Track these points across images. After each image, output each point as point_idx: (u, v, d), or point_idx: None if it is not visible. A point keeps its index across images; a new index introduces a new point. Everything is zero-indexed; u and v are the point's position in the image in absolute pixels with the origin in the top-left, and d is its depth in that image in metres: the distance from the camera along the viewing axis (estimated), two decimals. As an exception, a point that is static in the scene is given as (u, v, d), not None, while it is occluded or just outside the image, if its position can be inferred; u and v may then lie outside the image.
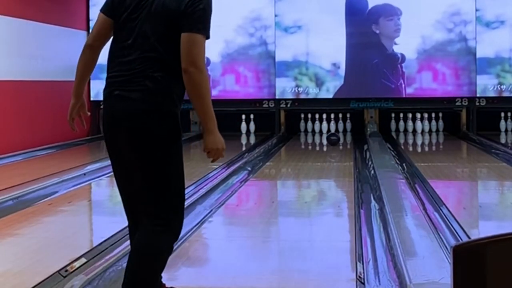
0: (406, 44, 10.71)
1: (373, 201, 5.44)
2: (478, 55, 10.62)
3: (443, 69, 10.74)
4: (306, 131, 11.20)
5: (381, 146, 9.06)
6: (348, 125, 11.17)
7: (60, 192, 6.03)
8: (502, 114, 10.87)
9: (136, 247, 2.76)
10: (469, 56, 10.66)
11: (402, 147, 9.48)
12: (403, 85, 10.77)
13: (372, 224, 4.67)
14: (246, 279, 3.54)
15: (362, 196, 5.74)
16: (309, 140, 10.70)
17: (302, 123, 11.25)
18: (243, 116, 11.12)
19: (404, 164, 7.51)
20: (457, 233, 4.24)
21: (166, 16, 2.73)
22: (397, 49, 10.76)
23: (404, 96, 10.80)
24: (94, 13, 10.19)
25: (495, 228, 4.73)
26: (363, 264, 3.65)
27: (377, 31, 10.81)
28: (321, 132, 11.06)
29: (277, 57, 10.93)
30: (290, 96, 10.98)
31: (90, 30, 3.05)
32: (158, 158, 2.72)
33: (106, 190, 6.62)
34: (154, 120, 2.71)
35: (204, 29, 2.72)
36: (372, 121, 11.00)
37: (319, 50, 10.84)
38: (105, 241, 4.08)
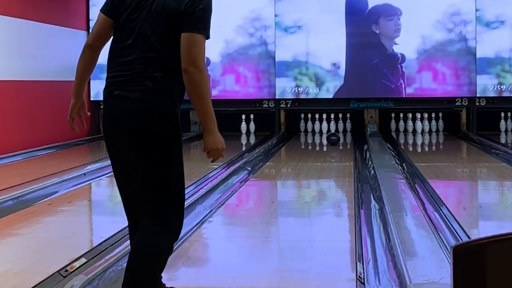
0: (406, 44, 10.71)
1: (373, 201, 5.44)
2: (478, 55, 10.62)
3: (443, 69, 10.74)
4: (306, 131, 11.20)
5: (381, 146, 9.06)
6: (348, 125, 11.17)
7: (60, 192, 6.03)
8: (502, 114, 10.87)
9: (136, 247, 2.76)
10: (469, 56, 10.66)
11: (402, 147, 9.48)
12: (403, 85, 10.77)
13: (372, 224, 4.66)
14: (246, 279, 3.54)
15: (362, 196, 5.74)
16: (309, 140, 10.70)
17: (302, 123, 11.25)
18: (243, 116, 11.12)
19: (404, 164, 7.51)
20: (457, 233, 4.24)
21: (166, 16, 2.73)
22: (397, 49, 10.76)
23: (404, 96, 10.80)
24: (94, 13, 10.19)
25: (495, 228, 4.73)
26: (363, 264, 3.65)
27: (377, 31, 10.81)
28: (321, 132, 11.06)
29: (277, 57, 10.93)
30: (290, 96, 10.98)
31: (90, 30, 3.05)
32: (158, 158, 2.72)
33: (106, 190, 6.62)
34: (154, 120, 2.71)
35: (204, 29, 2.72)
36: (372, 121, 11.00)
37: (319, 50, 10.84)
38: (105, 241, 4.08)
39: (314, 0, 10.87)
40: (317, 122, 11.15)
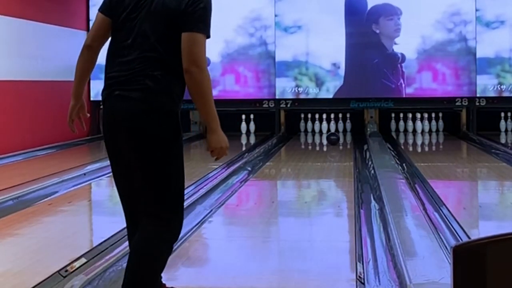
0: (406, 44, 10.71)
1: (373, 201, 5.44)
2: (478, 55, 10.62)
3: (443, 69, 10.74)
4: (306, 131, 11.20)
5: (381, 146, 9.06)
6: (348, 125, 11.17)
7: (60, 192, 6.03)
8: (502, 114, 10.87)
9: (136, 247, 2.76)
10: (469, 56, 10.66)
11: (402, 147, 9.48)
12: (403, 85, 10.77)
13: (372, 224, 4.66)
14: (246, 279, 3.54)
15: (362, 196, 5.74)
16: (309, 140, 10.70)
17: (302, 123, 11.25)
18: (243, 116, 11.12)
19: (404, 164, 7.51)
20: (457, 233, 4.24)
21: (166, 16, 2.72)
22: (397, 49, 10.76)
23: (404, 96, 10.80)
24: (94, 13, 10.13)
25: (495, 228, 4.73)
26: (363, 264, 3.65)
27: (377, 31, 10.81)
28: (321, 132, 11.07)
29: (277, 57, 10.93)
30: (290, 96, 10.98)
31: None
32: (158, 158, 2.72)
33: (106, 190, 6.62)
34: (154, 120, 2.70)
35: (204, 28, 2.71)
36: (372, 121, 11.00)
37: (319, 50, 10.84)
38: (105, 241, 4.08)
39: (314, 0, 10.87)
40: (317, 122, 11.15)
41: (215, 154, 2.81)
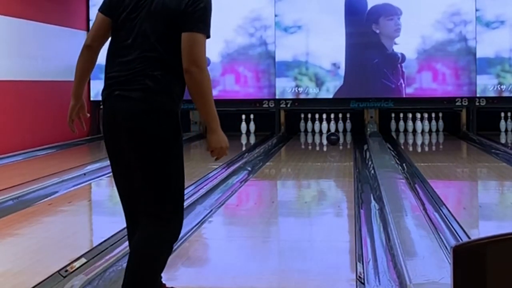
0: (406, 44, 10.71)
1: (373, 201, 5.44)
2: (478, 55, 10.62)
3: (443, 69, 10.74)
4: (306, 131, 11.20)
5: (381, 146, 9.06)
6: (348, 125, 11.17)
7: (60, 192, 6.03)
8: (502, 114, 10.87)
9: (136, 247, 2.76)
10: (469, 56, 10.66)
11: (402, 147, 9.48)
12: (403, 85, 10.77)
13: (372, 224, 4.66)
14: (246, 279, 3.54)
15: (362, 196, 5.74)
16: (309, 140, 10.70)
17: (302, 123, 11.25)
18: (243, 116, 11.12)
19: (404, 164, 7.50)
20: (457, 233, 4.24)
21: (166, 15, 2.72)
22: (397, 49, 10.76)
23: (404, 96, 10.80)
24: (94, 13, 10.14)
25: (495, 228, 4.73)
26: (363, 264, 3.65)
27: (377, 31, 10.81)
28: (321, 132, 11.07)
29: (277, 57, 10.93)
30: (290, 96, 10.98)
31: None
32: (158, 158, 2.72)
33: (106, 190, 6.62)
34: (154, 120, 2.70)
35: (205, 28, 2.71)
36: (372, 121, 11.00)
37: (319, 50, 10.84)
38: (105, 241, 4.08)
39: (314, 0, 10.87)
40: (317, 122, 11.15)
41: (215, 154, 2.82)
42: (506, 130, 10.84)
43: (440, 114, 11.09)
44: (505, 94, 10.65)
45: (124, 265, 2.81)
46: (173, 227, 2.77)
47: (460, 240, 3.96)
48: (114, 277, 3.42)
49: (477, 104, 10.75)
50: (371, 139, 9.83)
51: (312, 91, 10.93)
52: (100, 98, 2.91)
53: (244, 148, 9.42)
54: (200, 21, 2.70)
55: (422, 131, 11.02)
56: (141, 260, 2.73)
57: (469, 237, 4.06)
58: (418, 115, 11.05)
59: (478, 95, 10.70)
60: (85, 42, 2.90)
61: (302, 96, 10.95)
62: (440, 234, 4.21)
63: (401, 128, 11.10)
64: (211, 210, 5.17)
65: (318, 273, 3.59)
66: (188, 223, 4.35)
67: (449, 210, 4.86)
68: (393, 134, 10.94)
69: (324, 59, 10.87)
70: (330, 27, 10.76)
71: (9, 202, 5.40)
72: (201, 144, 10.25)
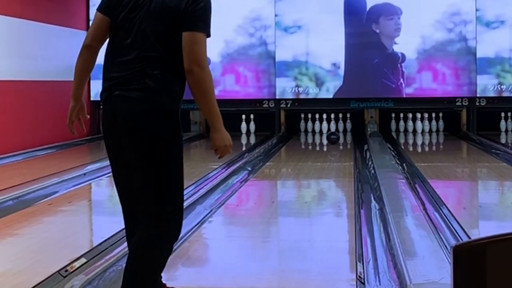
0: (406, 44, 10.71)
1: (373, 201, 5.44)
2: (478, 55, 10.62)
3: (443, 69, 10.73)
4: (306, 131, 11.20)
5: (381, 146, 9.06)
6: (348, 125, 11.17)
7: (60, 192, 6.03)
8: (502, 114, 10.87)
9: (136, 247, 2.76)
10: (469, 56, 10.66)
11: (402, 147, 9.48)
12: (403, 85, 10.77)
13: (372, 224, 4.66)
14: (246, 279, 3.54)
15: (362, 196, 5.74)
16: (309, 140, 10.70)
17: (302, 123, 11.25)
18: (243, 116, 11.12)
19: (404, 164, 7.50)
20: (457, 233, 4.24)
21: (166, 15, 2.72)
22: (397, 48, 10.76)
23: (404, 96, 10.80)
24: (94, 13, 10.18)
25: (495, 228, 4.73)
26: (363, 264, 3.65)
27: (377, 31, 10.80)
28: (321, 132, 11.06)
29: (277, 57, 10.93)
30: (290, 96, 10.98)
31: (90, 31, 3.02)
32: (159, 158, 2.71)
33: (106, 190, 6.62)
34: (154, 120, 2.70)
35: (205, 28, 2.71)
36: (372, 121, 11.00)
37: (319, 50, 10.84)
38: (105, 241, 4.08)
39: (314, 0, 10.87)
40: (317, 122, 11.15)
41: (219, 152, 2.82)
42: (506, 130, 10.84)
43: (440, 114, 11.09)
44: (505, 94, 10.65)
45: (124, 265, 2.81)
46: (173, 227, 2.76)
47: (460, 240, 3.96)
48: (114, 277, 3.42)
49: (477, 104, 10.75)
50: (371, 139, 9.84)
51: (312, 91, 10.93)
52: (100, 98, 2.90)
53: (244, 148, 9.42)
54: (200, 20, 2.70)
55: (422, 131, 11.02)
56: (141, 260, 2.72)
57: (469, 237, 4.06)
58: (418, 115, 11.05)
59: (478, 95, 10.70)
60: (84, 42, 2.89)
61: (302, 96, 10.95)
62: (440, 234, 4.21)
63: (401, 128, 11.09)
64: (211, 210, 5.17)
65: (318, 273, 3.59)
66: (188, 223, 4.35)
67: (449, 210, 4.86)
68: (393, 134, 10.94)
69: (324, 59, 10.87)
70: (330, 27, 10.75)
71: (9, 202, 5.40)
72: (201, 144, 10.26)
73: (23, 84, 9.08)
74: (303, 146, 10.19)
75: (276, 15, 10.94)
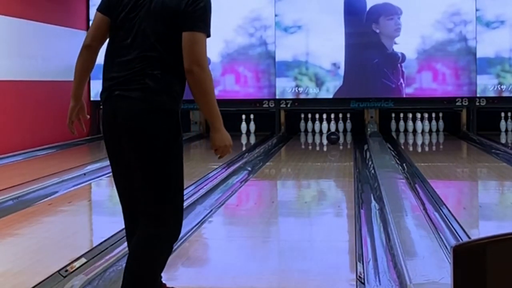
0: (406, 44, 10.71)
1: (373, 201, 5.44)
2: (478, 55, 10.62)
3: (443, 69, 10.73)
4: (306, 131, 11.20)
5: (381, 146, 9.06)
6: (348, 125, 11.17)
7: (60, 192, 6.03)
8: (502, 114, 10.87)
9: (136, 247, 2.76)
10: (469, 56, 10.66)
11: (402, 147, 9.48)
12: (403, 85, 10.77)
13: (372, 224, 4.66)
14: (246, 279, 3.54)
15: (362, 196, 5.74)
16: (309, 140, 10.70)
17: (302, 123, 11.25)
18: (243, 116, 11.12)
19: (404, 164, 7.50)
20: (457, 233, 4.24)
21: (166, 15, 2.72)
22: (397, 48, 10.76)
23: (404, 96, 10.80)
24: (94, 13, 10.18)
25: (495, 228, 4.73)
26: (363, 264, 3.65)
27: (377, 31, 10.80)
28: (321, 132, 11.07)
29: (277, 57, 10.93)
30: (290, 96, 10.98)
31: (90, 31, 3.02)
32: (159, 158, 2.71)
33: (106, 190, 6.62)
34: (154, 120, 2.70)
35: (205, 28, 2.71)
36: (372, 121, 11.00)
37: (319, 50, 10.84)
38: (105, 241, 4.08)
39: (314, 0, 10.87)
40: (317, 122, 11.15)
41: (219, 152, 2.82)
42: (506, 130, 10.84)
43: (440, 114, 11.09)
44: (505, 94, 10.65)
45: (124, 265, 2.81)
46: (173, 227, 2.76)
47: (460, 240, 3.96)
48: (114, 277, 3.42)
49: (477, 104, 10.75)
50: (371, 139, 9.84)
51: (312, 91, 10.93)
52: (99, 98, 2.90)
53: (244, 148, 9.42)
54: (200, 20, 2.70)
55: (422, 131, 11.02)
56: (141, 260, 2.72)
57: (469, 237, 4.06)
58: (418, 115, 11.05)
59: (478, 95, 10.70)
60: (84, 42, 2.89)
61: (302, 96, 10.96)
62: (440, 234, 4.21)
63: (401, 128, 11.10)
64: (211, 210, 5.17)
65: (318, 273, 3.59)
66: (188, 223, 4.35)
67: (449, 210, 4.86)
68: (393, 134, 10.94)
69: (324, 59, 10.87)
70: (330, 27, 10.76)
71: (9, 202, 5.40)
72: (201, 144, 10.26)
73: (23, 84, 9.08)
74: (303, 146, 10.19)
75: (276, 15, 10.94)
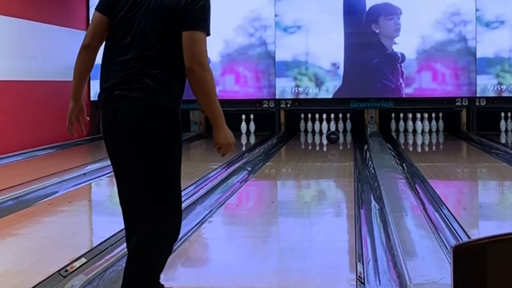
0: (406, 44, 10.71)
1: (373, 201, 5.44)
2: (478, 55, 10.62)
3: (443, 69, 10.73)
4: (306, 131, 11.20)
5: (381, 146, 9.06)
6: (348, 125, 11.17)
7: (60, 192, 6.03)
8: (502, 114, 10.87)
9: (136, 247, 2.76)
10: (469, 56, 10.66)
11: (402, 147, 9.48)
12: (403, 85, 10.77)
13: (372, 224, 4.66)
14: (246, 279, 3.54)
15: (362, 196, 5.74)
16: (309, 140, 10.70)
17: (302, 123, 11.25)
18: (243, 116, 11.13)
19: (404, 164, 7.50)
20: (457, 233, 4.24)
21: (165, 14, 2.71)
22: (396, 48, 10.76)
23: (404, 96, 10.80)
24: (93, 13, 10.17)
25: (495, 228, 4.73)
26: (363, 264, 3.65)
27: (377, 31, 10.80)
28: (321, 132, 11.07)
29: (277, 57, 10.94)
30: (290, 96, 10.98)
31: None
32: (158, 158, 2.71)
33: (106, 190, 6.62)
34: (154, 120, 2.70)
35: (205, 26, 2.71)
36: (372, 121, 11.00)
37: (319, 50, 10.84)
38: (105, 241, 4.08)
39: (313, 0, 10.87)
40: (317, 122, 11.15)
41: (222, 150, 2.82)
42: (506, 130, 10.84)
43: (440, 114, 11.09)
44: (505, 94, 10.66)
45: (124, 265, 2.81)
46: (173, 227, 2.76)
47: (460, 240, 3.96)
48: (114, 277, 3.42)
49: (477, 104, 10.75)
50: (371, 139, 9.84)
51: (312, 91, 10.93)
52: (98, 98, 2.89)
53: (244, 148, 9.42)
54: (200, 19, 2.69)
55: (422, 131, 11.02)
56: (140, 260, 2.72)
57: (469, 237, 4.06)
58: (418, 115, 11.05)
59: (478, 95, 10.70)
60: (83, 42, 2.87)
61: (302, 96, 10.96)
62: (440, 234, 4.21)
63: (401, 128, 11.10)
64: (211, 210, 5.17)
65: (318, 273, 3.59)
66: (188, 223, 4.35)
67: (449, 210, 4.86)
68: (393, 134, 10.94)
69: (323, 59, 10.87)
70: (330, 27, 10.76)
71: (9, 202, 5.40)
72: (201, 144, 10.26)
73: (23, 84, 9.08)
74: (303, 146, 10.19)
75: (276, 15, 10.95)
